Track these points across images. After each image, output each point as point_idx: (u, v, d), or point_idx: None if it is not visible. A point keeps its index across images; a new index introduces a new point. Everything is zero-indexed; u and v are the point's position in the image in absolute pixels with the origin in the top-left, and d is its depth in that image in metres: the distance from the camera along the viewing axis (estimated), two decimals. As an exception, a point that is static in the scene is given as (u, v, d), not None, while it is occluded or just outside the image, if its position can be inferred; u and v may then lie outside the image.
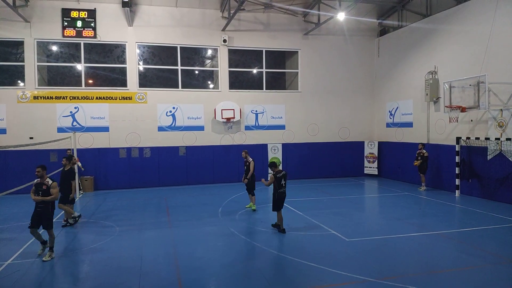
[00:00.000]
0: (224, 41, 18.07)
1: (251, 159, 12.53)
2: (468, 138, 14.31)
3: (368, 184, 18.07)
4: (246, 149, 13.24)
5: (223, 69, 18.47)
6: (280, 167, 10.13)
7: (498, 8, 12.99)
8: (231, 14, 16.51)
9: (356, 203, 13.82)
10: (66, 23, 16.40)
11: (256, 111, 18.96)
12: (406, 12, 18.07)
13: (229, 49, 18.53)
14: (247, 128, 18.85)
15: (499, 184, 13.13)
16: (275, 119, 19.22)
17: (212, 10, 18.13)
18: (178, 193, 16.01)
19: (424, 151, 15.68)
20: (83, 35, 16.57)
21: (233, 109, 18.02)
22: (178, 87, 18.02)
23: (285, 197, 9.98)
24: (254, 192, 12.55)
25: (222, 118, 17.89)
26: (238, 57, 19.48)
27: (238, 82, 19.63)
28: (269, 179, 9.76)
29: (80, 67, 17.16)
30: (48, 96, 16.52)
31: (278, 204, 9.87)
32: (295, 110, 19.45)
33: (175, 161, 17.84)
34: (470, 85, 12.96)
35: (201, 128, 18.23)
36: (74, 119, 16.77)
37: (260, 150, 18.82)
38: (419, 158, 15.68)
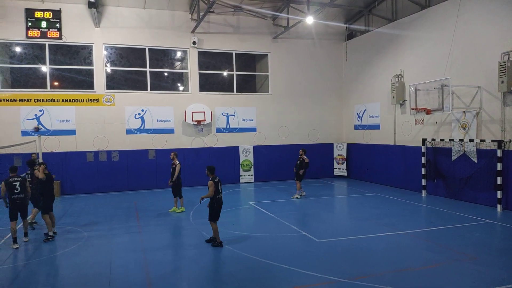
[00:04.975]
0: (194, 43, 17.94)
1: (177, 162, 12.64)
2: (433, 139, 14.81)
3: (338, 185, 18.35)
4: (175, 151, 13.29)
5: (193, 71, 18.33)
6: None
7: (459, 14, 13.52)
8: (200, 16, 16.42)
9: (326, 204, 14.02)
10: (30, 24, 15.84)
11: (227, 113, 18.91)
12: (373, 16, 18.51)
13: (199, 51, 18.40)
14: (218, 130, 18.76)
15: (463, 183, 13.62)
16: (246, 121, 19.23)
17: (181, 12, 17.96)
18: (147, 197, 15.71)
19: (305, 157, 14.82)
20: (48, 36, 16.05)
21: (204, 112, 17.89)
22: (147, 89, 17.73)
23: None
24: (182, 194, 12.82)
25: (192, 120, 17.72)
26: (208, 59, 19.37)
27: (208, 84, 19.52)
28: (209, 186, 8.69)
29: (45, 68, 16.59)
30: (11, 99, 15.89)
31: (217, 213, 8.92)
32: (266, 113, 19.53)
33: (145, 164, 17.51)
34: (434, 88, 13.38)
35: (171, 130, 17.99)
36: (39, 122, 16.18)
37: (231, 152, 18.77)
38: (298, 163, 14.94)
